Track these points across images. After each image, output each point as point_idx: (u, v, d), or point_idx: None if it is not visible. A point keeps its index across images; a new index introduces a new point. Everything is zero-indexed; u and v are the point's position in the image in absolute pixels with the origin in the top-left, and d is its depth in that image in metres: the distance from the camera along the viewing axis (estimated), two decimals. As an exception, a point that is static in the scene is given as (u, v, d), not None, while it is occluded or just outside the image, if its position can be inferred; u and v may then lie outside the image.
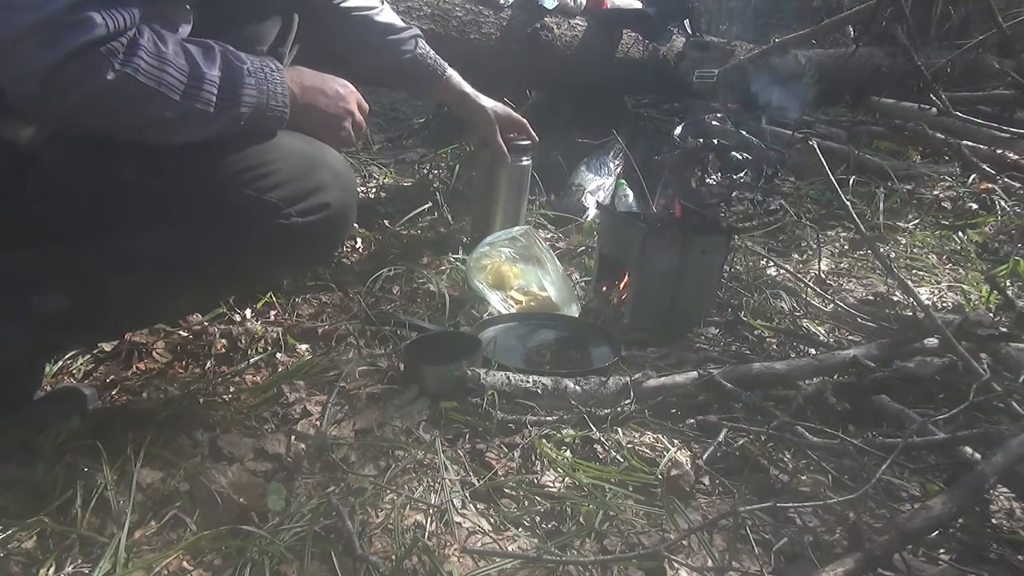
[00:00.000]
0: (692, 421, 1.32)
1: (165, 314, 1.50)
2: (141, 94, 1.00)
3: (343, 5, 1.69)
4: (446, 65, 1.91)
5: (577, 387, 1.34)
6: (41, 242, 1.09)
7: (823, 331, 1.75)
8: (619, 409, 1.30)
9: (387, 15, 1.79)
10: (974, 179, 2.85)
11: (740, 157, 2.92)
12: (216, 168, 1.11)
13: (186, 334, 1.54)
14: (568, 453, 1.22)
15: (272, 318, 1.65)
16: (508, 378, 1.34)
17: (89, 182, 1.07)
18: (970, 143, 3.03)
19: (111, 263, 1.11)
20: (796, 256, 2.32)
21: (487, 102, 1.99)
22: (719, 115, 3.18)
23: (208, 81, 1.06)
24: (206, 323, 1.58)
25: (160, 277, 1.15)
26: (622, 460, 1.19)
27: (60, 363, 1.42)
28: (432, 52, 1.88)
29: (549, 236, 2.34)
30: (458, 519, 1.04)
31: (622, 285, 1.77)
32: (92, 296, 1.13)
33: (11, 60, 0.94)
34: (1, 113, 0.99)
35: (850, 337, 1.73)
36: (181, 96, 1.03)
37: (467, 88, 1.97)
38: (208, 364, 1.46)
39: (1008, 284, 1.98)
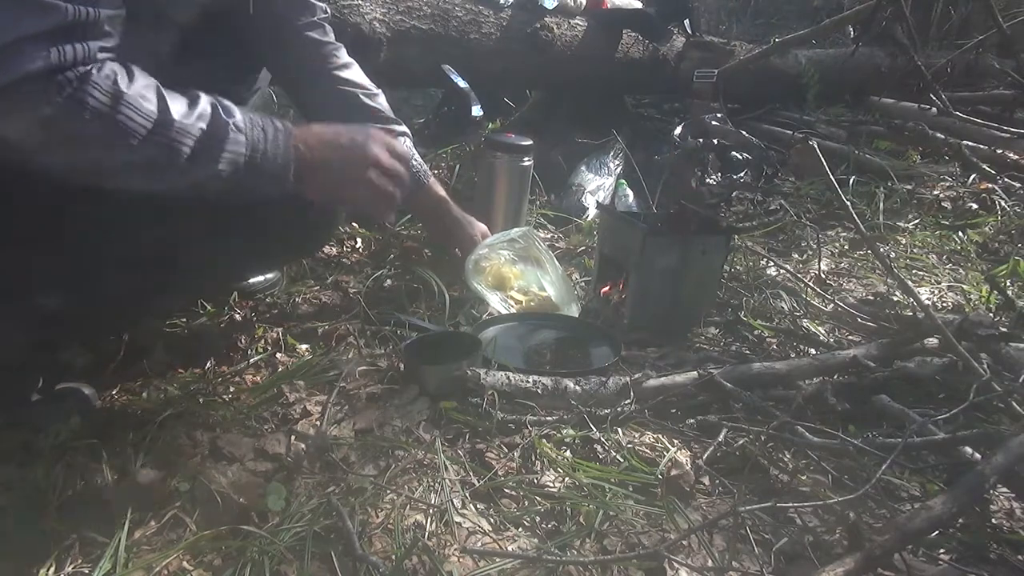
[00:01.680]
0: (692, 421, 1.32)
1: (161, 309, 1.51)
2: (90, 132, 0.94)
3: (335, 72, 1.60)
4: (429, 171, 1.79)
5: (577, 387, 1.34)
6: (40, 241, 1.08)
7: (823, 331, 1.75)
8: (619, 409, 1.30)
9: (379, 101, 1.67)
10: (974, 179, 2.85)
11: (740, 157, 2.93)
12: None
13: (186, 334, 1.54)
14: (568, 453, 1.22)
15: (272, 318, 1.65)
16: (508, 378, 1.34)
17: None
18: (970, 143, 3.03)
19: (108, 261, 1.11)
20: (796, 256, 2.31)
21: (464, 214, 1.85)
22: (719, 115, 3.19)
23: (179, 130, 0.99)
24: (206, 323, 1.59)
25: (154, 272, 1.16)
26: (622, 460, 1.19)
27: (60, 363, 1.42)
28: (418, 156, 1.76)
29: (549, 236, 2.34)
30: (458, 519, 1.04)
31: (620, 292, 1.77)
32: (90, 295, 1.14)
33: None
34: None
35: (850, 337, 1.73)
36: (141, 141, 0.96)
37: (447, 198, 1.82)
38: (208, 364, 1.46)
39: (1008, 284, 1.98)
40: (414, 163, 1.72)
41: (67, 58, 0.91)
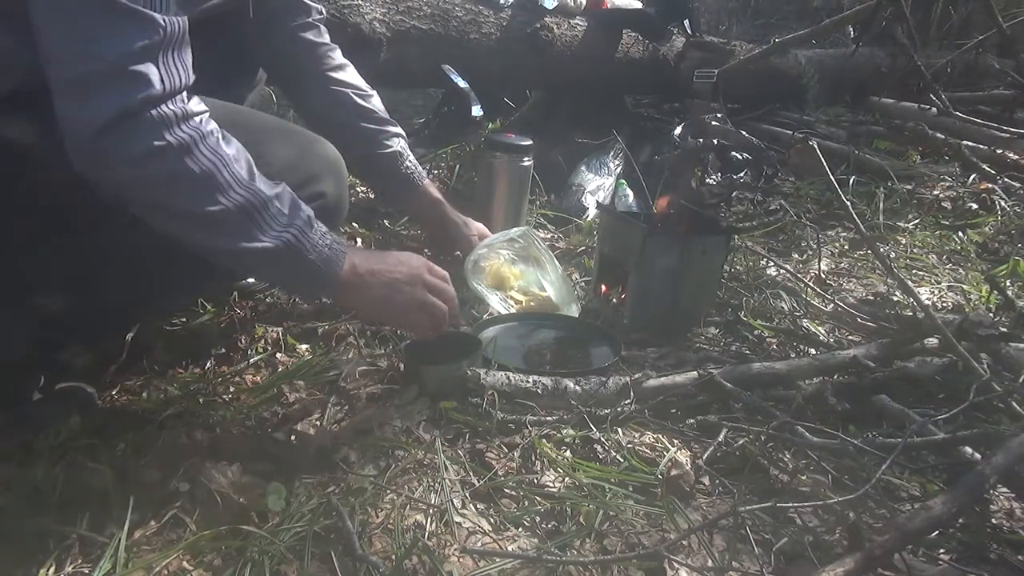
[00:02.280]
0: (692, 421, 1.32)
1: (163, 309, 1.51)
2: (187, 174, 0.97)
3: (329, 73, 1.61)
4: (424, 173, 1.79)
5: (577, 387, 1.34)
6: (41, 241, 1.09)
7: (823, 331, 1.75)
8: (619, 409, 1.30)
9: (373, 103, 1.68)
10: (974, 179, 2.85)
11: (740, 157, 2.93)
12: None
13: (186, 334, 1.54)
14: (568, 453, 1.22)
15: (272, 318, 1.65)
16: (508, 378, 1.34)
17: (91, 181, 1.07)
18: (970, 143, 3.03)
19: (110, 261, 1.11)
20: (796, 256, 2.31)
21: (460, 216, 1.85)
22: (719, 115, 3.18)
23: (263, 197, 1.03)
24: (206, 323, 1.58)
25: (157, 272, 1.16)
26: (622, 460, 1.19)
27: (60, 363, 1.41)
28: (413, 157, 1.76)
29: (549, 236, 2.34)
30: (458, 519, 1.04)
31: (620, 292, 1.77)
32: (91, 294, 1.14)
33: (67, 106, 0.92)
34: (5, 114, 0.99)
35: (850, 337, 1.73)
36: (227, 197, 1.00)
37: (442, 199, 1.82)
38: (208, 364, 1.46)
39: (1008, 284, 1.98)
40: (408, 164, 1.73)
41: (176, 83, 0.94)
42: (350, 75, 1.64)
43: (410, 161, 1.73)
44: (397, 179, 1.74)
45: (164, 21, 0.93)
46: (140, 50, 0.91)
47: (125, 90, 0.90)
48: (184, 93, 0.98)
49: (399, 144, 1.72)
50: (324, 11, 1.59)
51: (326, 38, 1.61)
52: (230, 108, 1.25)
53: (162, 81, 0.93)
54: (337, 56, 1.63)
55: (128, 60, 0.90)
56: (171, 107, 0.94)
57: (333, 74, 1.61)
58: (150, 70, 0.92)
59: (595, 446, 1.22)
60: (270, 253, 1.06)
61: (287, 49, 1.54)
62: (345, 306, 1.24)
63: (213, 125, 1.01)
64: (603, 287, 1.84)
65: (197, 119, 0.98)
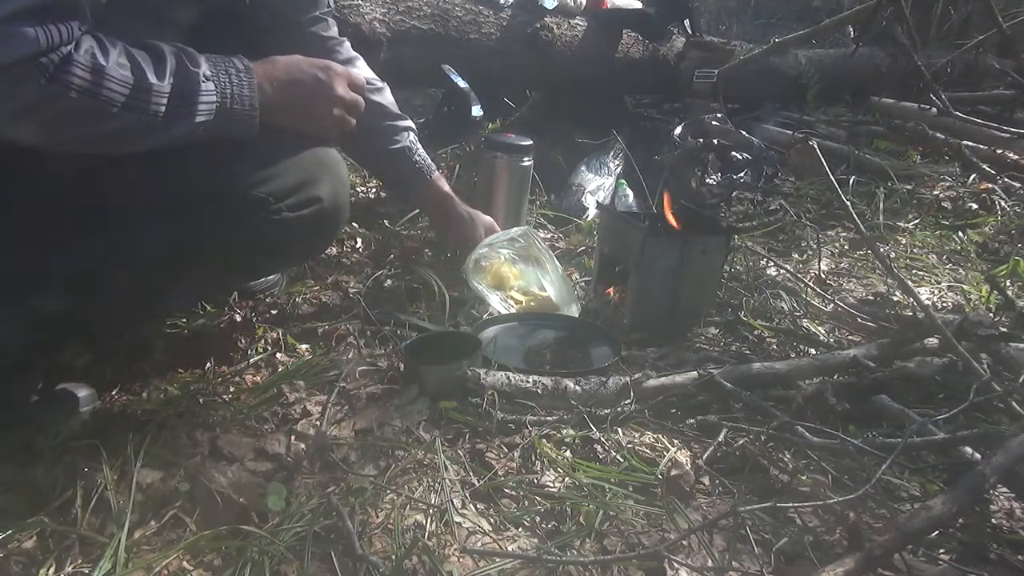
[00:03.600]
0: (692, 421, 1.32)
1: (159, 310, 1.51)
2: (75, 109, 0.96)
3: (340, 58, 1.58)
4: (433, 167, 1.77)
5: (577, 387, 1.34)
6: (40, 242, 1.08)
7: (823, 331, 1.75)
8: (619, 409, 1.30)
9: (384, 96, 1.68)
10: (974, 179, 2.85)
11: (740, 157, 2.93)
12: (207, 164, 1.11)
13: (186, 334, 1.54)
14: (568, 453, 1.22)
15: (272, 318, 1.65)
16: (508, 378, 1.34)
17: (87, 181, 1.07)
18: (970, 143, 3.04)
19: (111, 261, 1.11)
20: (796, 256, 2.31)
21: (469, 209, 1.84)
22: (719, 115, 3.19)
23: (155, 92, 1.01)
24: (207, 323, 1.58)
25: (153, 275, 1.16)
26: (622, 460, 1.19)
27: (60, 363, 1.42)
28: (423, 151, 1.76)
29: (549, 236, 2.34)
30: (458, 519, 1.04)
31: (620, 292, 1.77)
32: (89, 295, 1.14)
33: None
34: None
35: (850, 337, 1.73)
36: (122, 108, 0.98)
37: (451, 194, 1.81)
38: (208, 364, 1.46)
39: (1008, 284, 1.98)
40: (418, 159, 1.74)
41: (53, 40, 0.93)
42: (361, 68, 1.64)
43: (419, 156, 1.74)
44: (406, 175, 1.74)
45: None
46: (14, 13, 0.90)
47: (4, 48, 0.90)
48: (67, 46, 0.96)
49: (409, 139, 1.72)
50: (332, 4, 1.58)
51: (335, 31, 1.60)
52: None
53: (38, 39, 0.91)
54: (346, 50, 1.62)
55: (7, 21, 0.89)
56: (47, 57, 0.93)
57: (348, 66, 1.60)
58: (26, 30, 0.91)
59: (595, 446, 1.22)
60: (188, 133, 1.05)
61: (296, 43, 1.53)
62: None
63: (87, 43, 0.97)
64: (603, 287, 1.84)
65: (67, 50, 0.95)
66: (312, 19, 1.54)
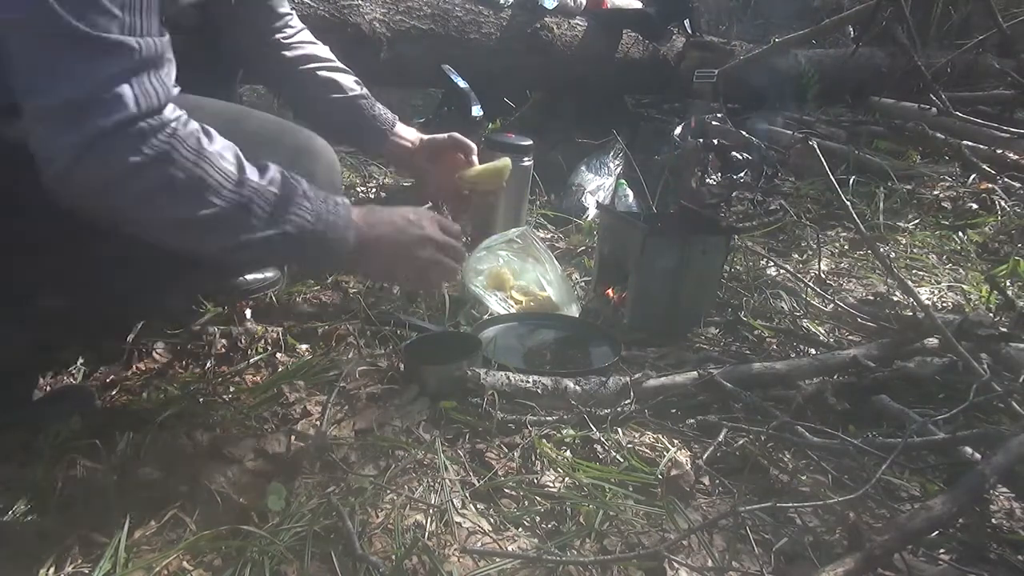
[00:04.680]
0: (692, 421, 1.32)
1: (163, 308, 1.51)
2: (174, 185, 0.95)
3: (288, 53, 1.56)
4: (393, 119, 1.68)
5: (577, 387, 1.34)
6: (40, 243, 1.08)
7: (823, 331, 1.75)
8: (619, 409, 1.30)
9: (322, 49, 1.62)
10: (974, 179, 2.85)
11: (740, 157, 2.93)
12: None
13: (186, 334, 1.54)
14: (568, 453, 1.22)
15: (272, 318, 1.65)
16: (508, 378, 1.34)
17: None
18: (970, 143, 3.03)
19: (111, 261, 1.11)
20: (796, 256, 2.31)
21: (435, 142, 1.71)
22: (719, 115, 3.19)
23: (254, 189, 1.01)
24: (206, 323, 1.58)
25: (157, 272, 1.15)
26: (622, 460, 1.19)
27: (60, 363, 1.42)
28: (380, 105, 1.67)
29: (549, 236, 2.34)
30: (458, 519, 1.04)
31: (620, 292, 1.77)
32: (91, 294, 1.13)
33: (42, 139, 0.91)
34: (6, 115, 0.99)
35: (850, 337, 1.73)
36: (219, 198, 0.98)
37: (414, 141, 1.69)
38: (208, 364, 1.46)
39: (1008, 284, 1.98)
40: (376, 112, 1.65)
41: (152, 102, 0.93)
42: (308, 39, 1.61)
43: (378, 108, 1.65)
44: (364, 129, 1.64)
45: (139, 44, 0.92)
46: (112, 77, 0.90)
47: (98, 116, 0.90)
48: (162, 112, 0.96)
49: (360, 91, 1.64)
50: None
51: (287, 7, 1.58)
52: (221, 107, 1.24)
53: (136, 102, 0.92)
54: (296, 23, 1.59)
55: (100, 88, 0.90)
56: (146, 122, 0.93)
57: (297, 61, 1.57)
58: (124, 92, 0.91)
59: (595, 446, 1.22)
60: (274, 242, 1.05)
61: (245, 14, 1.51)
62: (354, 273, 1.22)
63: (193, 125, 0.99)
64: (603, 287, 1.83)
65: (173, 125, 0.96)
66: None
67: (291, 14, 1.59)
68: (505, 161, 1.65)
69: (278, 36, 1.56)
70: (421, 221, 1.23)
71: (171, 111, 0.98)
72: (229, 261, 1.10)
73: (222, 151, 1.00)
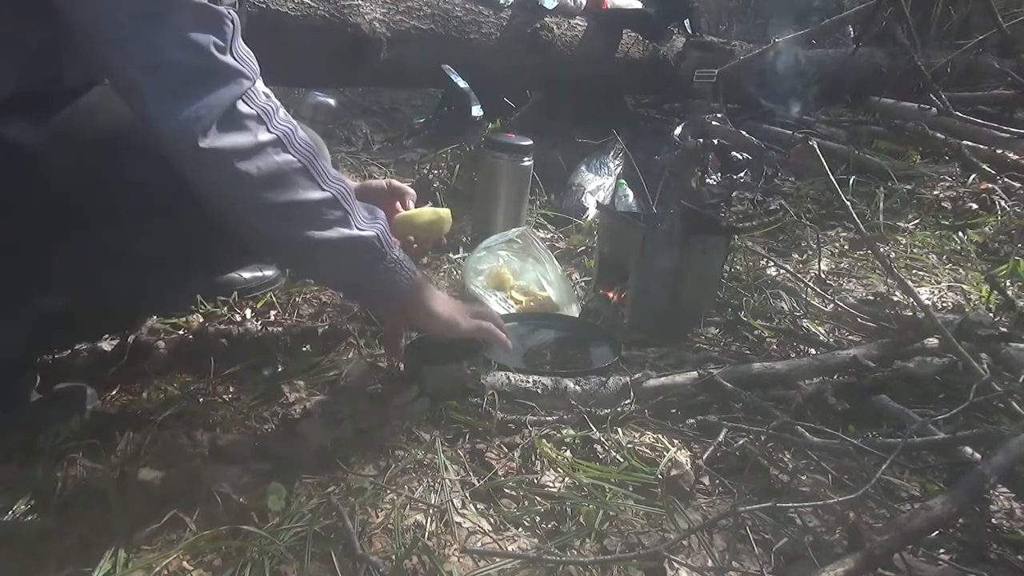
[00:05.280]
0: (692, 421, 1.32)
1: (163, 308, 1.51)
2: (290, 165, 0.97)
3: None
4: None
5: (577, 387, 1.34)
6: (40, 242, 1.08)
7: (823, 331, 1.75)
8: (619, 409, 1.30)
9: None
10: (974, 179, 2.85)
11: (740, 157, 2.93)
12: None
13: (186, 334, 1.54)
14: (568, 453, 1.21)
15: (272, 318, 1.65)
16: (508, 378, 1.34)
17: (92, 182, 1.06)
18: (970, 143, 3.03)
19: (110, 260, 1.11)
20: (796, 256, 2.31)
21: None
22: (719, 115, 3.19)
23: (348, 187, 1.04)
24: (206, 323, 1.58)
25: (157, 271, 1.16)
26: (622, 460, 1.19)
27: (60, 363, 1.42)
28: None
29: (549, 236, 2.34)
30: (458, 519, 1.04)
31: (620, 292, 1.77)
32: (91, 294, 1.13)
33: (165, 113, 0.90)
34: (5, 114, 0.99)
35: (850, 337, 1.73)
36: (325, 184, 1.00)
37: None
38: (208, 364, 1.46)
39: (1008, 284, 1.97)
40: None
41: (255, 69, 0.94)
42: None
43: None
44: None
45: (228, 12, 0.93)
46: (222, 44, 0.90)
47: (224, 85, 0.90)
48: (260, 81, 0.97)
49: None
50: None
51: None
52: None
53: (243, 72, 0.92)
54: None
55: (216, 55, 0.90)
56: (264, 100, 0.94)
57: None
58: (232, 62, 0.91)
59: (595, 446, 1.22)
60: (363, 242, 1.06)
61: None
62: (404, 316, 1.26)
63: (298, 125, 1.01)
64: (603, 287, 1.83)
65: (284, 111, 0.97)
66: None
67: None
68: (444, 211, 1.47)
69: None
70: (473, 316, 1.30)
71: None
72: (311, 258, 1.08)
73: (321, 146, 1.05)
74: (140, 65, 0.89)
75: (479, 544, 1.01)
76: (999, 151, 2.99)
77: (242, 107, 0.93)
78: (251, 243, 1.09)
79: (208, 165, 0.93)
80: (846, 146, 3.09)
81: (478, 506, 1.09)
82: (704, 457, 1.21)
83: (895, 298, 1.96)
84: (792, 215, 2.58)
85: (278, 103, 0.99)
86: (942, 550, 1.05)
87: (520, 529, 1.05)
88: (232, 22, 0.93)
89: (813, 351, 1.61)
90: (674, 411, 1.36)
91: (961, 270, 2.25)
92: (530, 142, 2.12)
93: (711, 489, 1.17)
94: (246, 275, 1.70)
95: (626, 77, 3.39)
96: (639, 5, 3.32)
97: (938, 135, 3.12)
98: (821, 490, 1.17)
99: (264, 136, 0.95)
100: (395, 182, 1.48)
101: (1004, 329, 1.47)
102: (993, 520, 1.13)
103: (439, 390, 1.31)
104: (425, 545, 0.98)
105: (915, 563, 0.99)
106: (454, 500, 1.08)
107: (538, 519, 1.07)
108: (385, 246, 1.10)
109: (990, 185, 2.77)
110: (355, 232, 1.05)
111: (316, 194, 1.00)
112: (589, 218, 2.47)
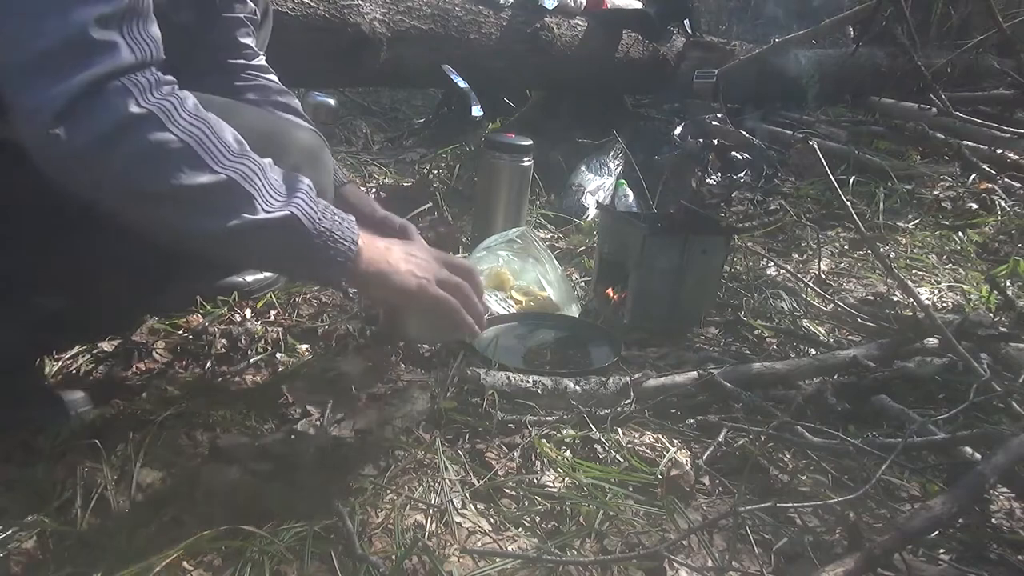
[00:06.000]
0: (692, 421, 1.32)
1: (162, 308, 1.51)
2: (168, 145, 0.85)
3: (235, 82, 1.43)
4: (344, 178, 1.50)
5: (577, 387, 1.34)
6: (40, 241, 1.08)
7: (823, 331, 1.75)
8: (619, 409, 1.30)
9: (292, 100, 1.51)
10: (974, 179, 2.85)
11: (740, 157, 2.94)
12: None
13: (186, 334, 1.54)
14: (568, 453, 1.22)
15: (272, 318, 1.65)
16: (508, 378, 1.34)
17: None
18: (970, 143, 3.04)
19: (110, 260, 1.11)
20: (796, 256, 2.32)
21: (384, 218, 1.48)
22: (719, 115, 3.19)
23: (256, 162, 0.91)
24: (206, 323, 1.58)
25: (157, 271, 1.15)
26: (622, 460, 1.19)
27: (60, 363, 1.42)
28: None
29: (549, 236, 2.34)
30: (458, 519, 1.04)
31: (620, 292, 1.77)
32: (90, 294, 1.13)
33: (25, 89, 0.80)
34: (4, 113, 0.99)
35: (850, 337, 1.73)
36: (219, 164, 0.87)
37: (360, 205, 1.44)
38: (208, 364, 1.46)
39: (1008, 284, 1.98)
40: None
41: (144, 55, 0.84)
42: (274, 81, 1.50)
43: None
44: None
45: None
46: (102, 18, 0.81)
47: (89, 61, 0.80)
48: (155, 68, 0.86)
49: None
50: (257, 13, 1.46)
51: (251, 41, 1.46)
52: (209, 97, 1.21)
53: (131, 51, 0.82)
54: (252, 57, 1.47)
55: (90, 29, 0.80)
56: (142, 76, 0.83)
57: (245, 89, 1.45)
58: (115, 39, 0.82)
59: (595, 446, 1.22)
60: (277, 225, 0.93)
61: (207, 43, 1.39)
62: (366, 291, 1.13)
63: (191, 95, 0.89)
64: (603, 287, 1.83)
65: (171, 87, 0.86)
66: (233, 20, 1.43)
67: (251, 49, 1.48)
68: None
69: (230, 61, 1.45)
70: (426, 251, 1.14)
71: (168, 78, 0.89)
72: (221, 251, 0.98)
73: (220, 123, 0.92)
74: (6, 37, 0.80)
75: (479, 544, 1.01)
76: (999, 151, 2.99)
77: (112, 83, 0.82)
78: (158, 239, 0.95)
79: (67, 145, 0.82)
80: (846, 146, 3.09)
81: (478, 506, 1.09)
82: (704, 457, 1.21)
83: (895, 298, 1.96)
84: (792, 215, 2.58)
85: (173, 86, 0.87)
86: (942, 550, 1.05)
87: (520, 529, 1.05)
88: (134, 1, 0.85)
89: (813, 351, 1.61)
90: (674, 411, 1.36)
91: (961, 270, 2.25)
92: (530, 142, 2.12)
93: (711, 489, 1.17)
94: (249, 279, 1.70)
95: (626, 77, 3.39)
96: (639, 5, 3.32)
97: (938, 135, 3.12)
98: (821, 490, 1.17)
99: (134, 110, 0.82)
100: (411, 227, 1.32)
101: (1004, 329, 1.47)
102: (993, 520, 1.13)
103: (420, 333, 1.19)
104: (425, 545, 0.98)
105: (915, 563, 0.99)
106: (454, 500, 1.08)
107: (538, 519, 1.07)
108: (308, 221, 0.95)
109: (990, 185, 2.77)
110: (262, 216, 0.91)
111: (204, 178, 0.87)
112: (589, 218, 2.47)
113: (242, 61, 1.46)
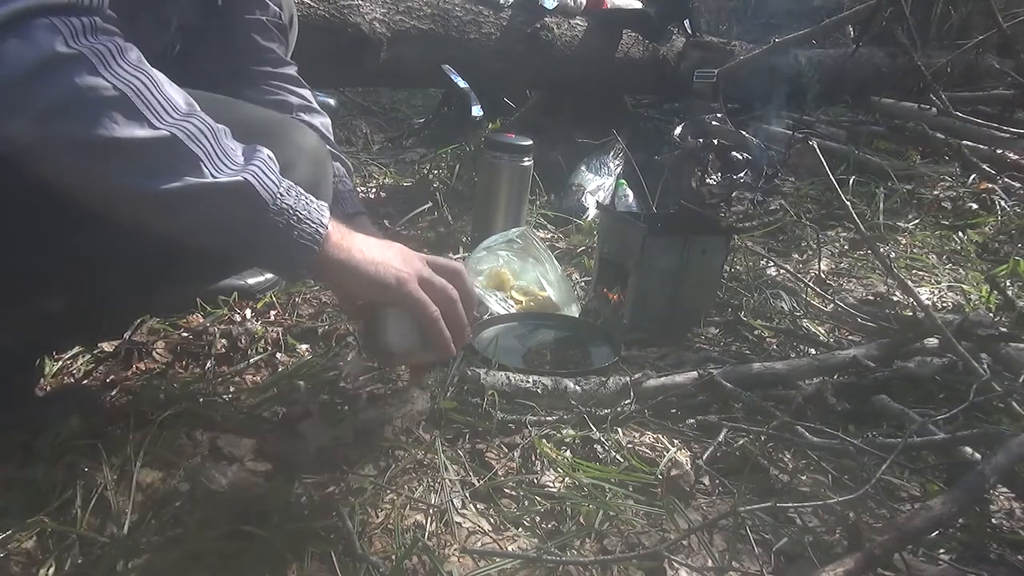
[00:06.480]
0: (692, 421, 1.32)
1: (162, 308, 1.51)
2: (101, 90, 0.75)
3: (267, 90, 1.40)
4: (360, 208, 1.47)
5: (577, 387, 1.34)
6: (39, 242, 1.08)
7: (823, 331, 1.75)
8: (619, 409, 1.30)
9: (321, 120, 1.47)
10: (974, 179, 2.85)
11: (740, 157, 2.94)
12: None
13: (186, 334, 1.54)
14: (568, 453, 1.21)
15: (272, 318, 1.65)
16: (508, 378, 1.34)
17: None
18: (970, 143, 3.04)
19: (110, 260, 1.10)
20: (796, 256, 2.32)
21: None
22: (719, 115, 3.19)
23: (205, 122, 0.81)
24: (206, 323, 1.58)
25: (157, 271, 1.15)
26: (622, 460, 1.19)
27: (60, 363, 1.42)
28: (354, 192, 1.50)
29: (549, 236, 2.34)
30: (458, 519, 1.04)
31: (620, 292, 1.77)
32: (90, 294, 1.13)
33: None
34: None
35: (850, 337, 1.73)
36: (159, 120, 0.78)
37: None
38: (208, 364, 1.46)
39: (1008, 284, 1.98)
40: (345, 182, 1.49)
41: (83, 2, 0.75)
42: (306, 95, 1.49)
43: (347, 195, 1.50)
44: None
45: None
46: None
47: None
48: (96, 17, 0.77)
49: (344, 182, 1.49)
50: (283, 17, 1.44)
51: (276, 45, 1.44)
52: (203, 94, 1.20)
53: None
54: (279, 61, 1.45)
55: None
56: (75, 18, 0.74)
57: (272, 94, 1.44)
58: None
59: (595, 446, 1.22)
60: (227, 191, 0.82)
61: (227, 46, 1.36)
62: (330, 282, 1.02)
63: (136, 50, 0.80)
64: (603, 287, 1.83)
65: (116, 37, 0.77)
66: (254, 22, 1.40)
67: (275, 54, 1.45)
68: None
69: (252, 67, 1.43)
70: (408, 252, 1.03)
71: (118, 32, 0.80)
72: (162, 218, 0.86)
73: (171, 83, 0.82)
74: None
75: (479, 544, 1.01)
76: (999, 151, 2.99)
77: (38, 20, 0.72)
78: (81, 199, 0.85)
79: None
80: (846, 146, 3.09)
81: (478, 506, 1.09)
82: (704, 457, 1.21)
83: (895, 298, 1.96)
84: (792, 215, 2.58)
85: (118, 38, 0.78)
86: (942, 550, 1.05)
87: (520, 529, 1.05)
88: None
89: (813, 351, 1.61)
90: (674, 411, 1.36)
91: (961, 270, 2.25)
92: (530, 142, 2.12)
93: (711, 489, 1.17)
94: (250, 280, 1.70)
95: (626, 77, 3.39)
96: (639, 5, 3.33)
97: (938, 135, 3.12)
98: (821, 490, 1.17)
99: (60, 49, 0.73)
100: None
101: (1004, 329, 1.47)
102: (993, 520, 1.13)
103: (401, 344, 1.05)
104: (425, 545, 0.98)
105: (915, 563, 0.99)
106: (454, 500, 1.08)
107: (538, 519, 1.07)
108: (266, 192, 0.85)
109: (990, 185, 2.77)
110: (209, 180, 0.81)
111: (141, 132, 0.77)
112: (589, 218, 2.47)
113: (267, 68, 1.43)
